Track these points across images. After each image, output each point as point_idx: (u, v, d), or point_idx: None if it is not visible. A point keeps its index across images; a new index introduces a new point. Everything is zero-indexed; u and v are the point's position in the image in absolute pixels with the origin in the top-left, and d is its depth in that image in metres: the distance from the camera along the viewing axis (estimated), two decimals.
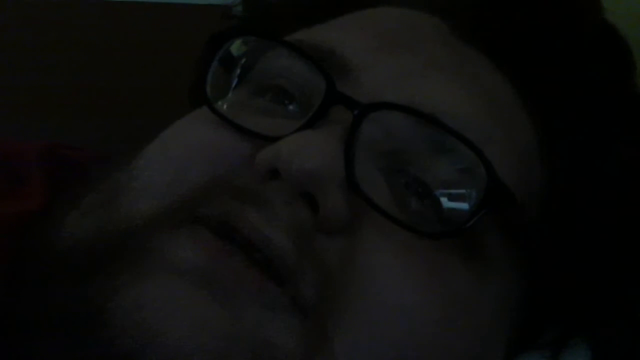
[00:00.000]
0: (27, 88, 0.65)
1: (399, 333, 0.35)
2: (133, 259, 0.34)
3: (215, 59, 0.41)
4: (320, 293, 0.35)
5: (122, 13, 0.69)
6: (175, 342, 0.32)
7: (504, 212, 0.38)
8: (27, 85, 0.65)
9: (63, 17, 0.68)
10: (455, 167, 0.38)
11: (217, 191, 0.36)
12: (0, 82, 0.64)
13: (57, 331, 0.34)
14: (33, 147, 0.45)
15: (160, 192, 0.37)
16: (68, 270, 0.35)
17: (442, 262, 0.37)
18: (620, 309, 0.43)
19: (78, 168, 0.45)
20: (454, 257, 0.38)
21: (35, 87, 0.65)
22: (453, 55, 0.42)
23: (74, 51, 0.67)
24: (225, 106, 0.40)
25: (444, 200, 0.38)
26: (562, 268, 0.42)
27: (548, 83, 0.45)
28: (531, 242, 0.41)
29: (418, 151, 0.38)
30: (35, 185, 0.42)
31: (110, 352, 0.32)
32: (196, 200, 0.36)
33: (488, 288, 0.39)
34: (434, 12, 0.45)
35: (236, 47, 0.41)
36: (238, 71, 0.41)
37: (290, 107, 0.40)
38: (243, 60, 0.41)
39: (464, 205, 0.38)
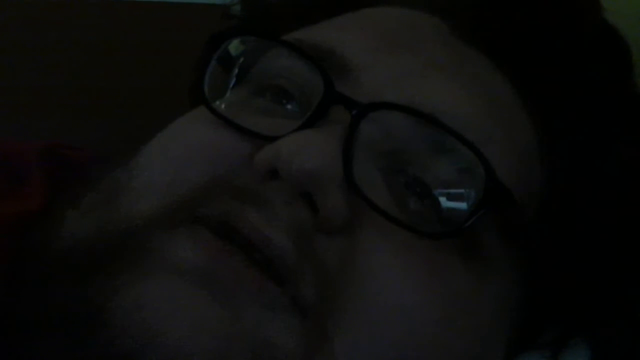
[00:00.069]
0: (27, 88, 0.65)
1: (398, 333, 0.35)
2: (133, 259, 0.34)
3: (214, 58, 0.41)
4: (320, 293, 0.35)
5: (122, 13, 0.69)
6: (175, 342, 0.32)
7: (503, 212, 0.38)
8: (27, 85, 0.65)
9: (63, 17, 0.68)
10: (455, 167, 0.38)
11: (217, 191, 0.36)
12: (0, 82, 0.64)
13: (57, 331, 0.34)
14: (33, 147, 0.45)
15: (160, 192, 0.37)
16: (68, 270, 0.35)
17: (441, 262, 0.37)
18: (620, 309, 0.43)
19: (78, 168, 0.45)
20: (454, 257, 0.38)
21: (35, 87, 0.65)
22: (453, 55, 0.42)
23: (74, 51, 0.67)
24: (223, 106, 0.40)
25: (443, 200, 0.38)
26: (562, 268, 0.42)
27: (548, 83, 0.45)
28: (531, 242, 0.41)
29: (418, 151, 0.38)
30: (35, 185, 0.42)
31: (110, 352, 0.32)
32: (196, 200, 0.36)
33: (488, 288, 0.39)
34: (434, 12, 0.45)
35: (235, 46, 0.41)
36: (236, 71, 0.41)
37: (290, 106, 0.40)
38: (242, 60, 0.41)
39: (463, 205, 0.38)
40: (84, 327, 0.33)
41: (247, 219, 0.35)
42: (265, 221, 0.35)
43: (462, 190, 0.38)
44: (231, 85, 0.41)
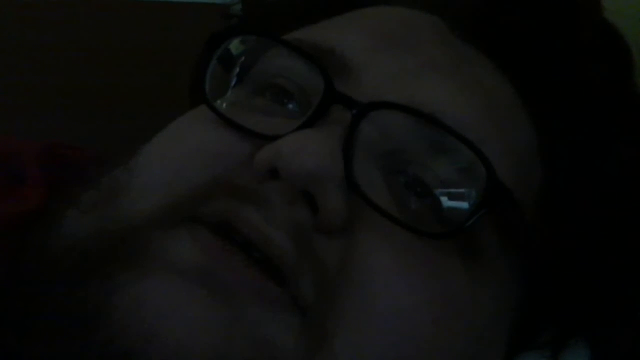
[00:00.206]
0: (27, 88, 0.65)
1: (398, 333, 0.35)
2: (133, 259, 0.34)
3: (215, 58, 0.41)
4: (320, 293, 0.35)
5: (122, 13, 0.69)
6: (175, 342, 0.32)
7: (503, 212, 0.38)
8: (27, 85, 0.65)
9: (63, 17, 0.68)
10: (455, 167, 0.38)
11: (217, 191, 0.36)
12: (0, 82, 0.64)
13: (57, 331, 0.34)
14: (33, 147, 0.45)
15: (160, 191, 0.37)
16: (68, 269, 0.35)
17: (441, 262, 0.37)
18: (620, 308, 0.43)
19: (78, 168, 0.45)
20: (453, 257, 0.38)
21: (35, 87, 0.65)
22: (453, 55, 0.42)
23: (74, 51, 0.67)
24: (224, 105, 0.40)
25: (444, 200, 0.38)
26: (562, 268, 0.42)
27: (548, 83, 0.45)
28: (530, 242, 0.41)
29: (418, 151, 0.38)
30: (35, 185, 0.42)
31: (110, 352, 0.32)
32: (196, 200, 0.36)
33: (487, 288, 0.39)
34: (433, 12, 0.45)
35: (235, 46, 0.41)
36: (237, 70, 0.41)
37: (290, 106, 0.40)
38: (242, 60, 0.41)
39: (463, 205, 0.38)
40: (84, 326, 0.33)
41: (247, 218, 0.35)
42: (265, 221, 0.35)
43: (463, 190, 0.38)
44: (232, 84, 0.41)
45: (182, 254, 0.34)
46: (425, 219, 0.38)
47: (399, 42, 0.42)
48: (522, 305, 0.42)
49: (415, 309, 0.36)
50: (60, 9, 0.68)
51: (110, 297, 0.33)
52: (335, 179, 0.35)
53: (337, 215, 0.35)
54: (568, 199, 0.43)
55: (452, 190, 0.38)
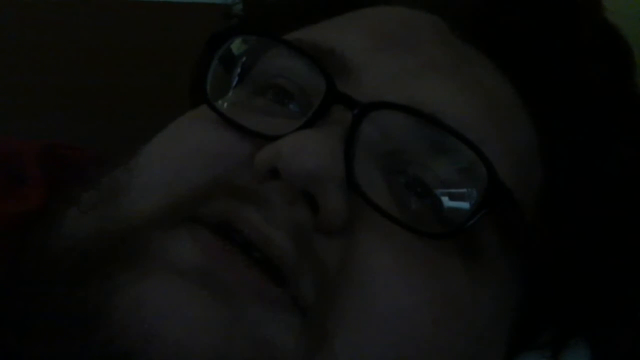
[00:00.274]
0: (27, 88, 0.65)
1: (398, 333, 0.35)
2: (133, 259, 0.34)
3: (216, 57, 0.41)
4: (320, 293, 0.35)
5: (122, 13, 0.69)
6: (175, 342, 0.32)
7: (503, 212, 0.38)
8: (27, 85, 0.65)
9: (63, 17, 0.68)
10: (455, 167, 0.38)
11: (217, 191, 0.36)
12: (0, 82, 0.64)
13: (56, 331, 0.34)
14: (33, 147, 0.45)
15: (160, 191, 0.37)
16: (68, 269, 0.35)
17: (441, 262, 0.37)
18: (620, 309, 0.43)
19: (78, 168, 0.45)
20: (453, 257, 0.38)
21: (35, 87, 0.65)
22: (453, 55, 0.42)
23: (74, 51, 0.67)
24: (225, 105, 0.40)
25: (445, 200, 0.38)
26: (562, 268, 0.42)
27: (548, 83, 0.45)
28: (530, 242, 0.41)
29: (418, 151, 0.38)
30: (35, 185, 0.42)
31: (110, 352, 0.32)
32: (196, 200, 0.36)
33: (487, 288, 0.39)
34: (433, 11, 0.45)
35: (236, 46, 0.41)
36: (238, 70, 0.41)
37: (291, 106, 0.40)
38: (243, 59, 0.41)
39: (463, 205, 0.38)
40: (84, 326, 0.33)
41: (247, 218, 0.35)
42: (265, 221, 0.35)
43: (463, 190, 0.38)
44: (233, 84, 0.41)
45: (182, 254, 0.34)
46: (425, 219, 0.38)
47: (399, 42, 0.42)
48: (522, 305, 0.42)
49: (415, 309, 0.36)
50: (60, 9, 0.68)
51: (110, 297, 0.33)
52: (335, 179, 0.35)
53: (337, 215, 0.35)
54: (568, 199, 0.43)
55: (452, 190, 0.38)
